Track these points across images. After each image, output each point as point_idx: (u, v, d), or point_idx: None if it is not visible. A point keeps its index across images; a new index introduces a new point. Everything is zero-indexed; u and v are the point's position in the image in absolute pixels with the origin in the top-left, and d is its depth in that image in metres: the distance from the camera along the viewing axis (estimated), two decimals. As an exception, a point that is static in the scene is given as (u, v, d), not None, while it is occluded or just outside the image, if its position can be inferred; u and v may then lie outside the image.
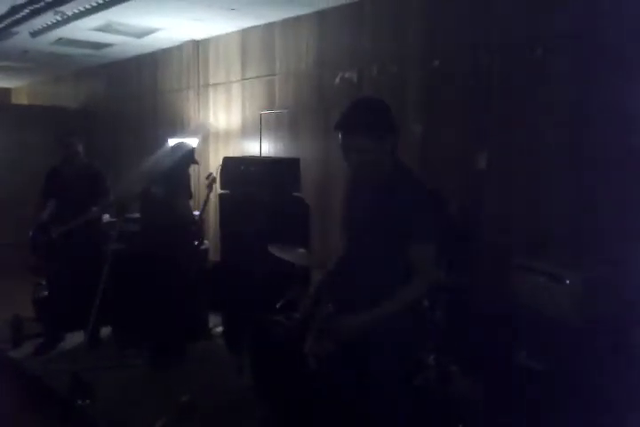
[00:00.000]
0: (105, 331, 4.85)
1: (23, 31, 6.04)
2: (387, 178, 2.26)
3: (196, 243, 4.74)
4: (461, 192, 4.06)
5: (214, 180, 4.15)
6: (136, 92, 7.86)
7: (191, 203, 5.00)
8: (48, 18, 5.46)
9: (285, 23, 5.58)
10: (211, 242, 5.90)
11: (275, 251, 3.79)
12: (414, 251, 2.20)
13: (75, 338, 4.67)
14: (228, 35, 6.26)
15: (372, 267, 2.27)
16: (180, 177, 4.67)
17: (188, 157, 4.70)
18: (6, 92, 11.34)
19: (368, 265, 2.28)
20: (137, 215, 5.26)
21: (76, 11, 5.22)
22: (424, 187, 2.30)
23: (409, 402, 2.32)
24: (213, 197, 5.13)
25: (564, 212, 3.65)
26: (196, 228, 4.59)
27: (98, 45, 6.91)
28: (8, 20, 5.62)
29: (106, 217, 6.05)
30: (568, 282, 3.03)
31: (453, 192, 3.84)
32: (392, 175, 2.27)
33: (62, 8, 5.12)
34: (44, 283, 4.94)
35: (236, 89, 6.25)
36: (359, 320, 2.18)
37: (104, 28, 5.98)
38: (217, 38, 6.42)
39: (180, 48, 6.87)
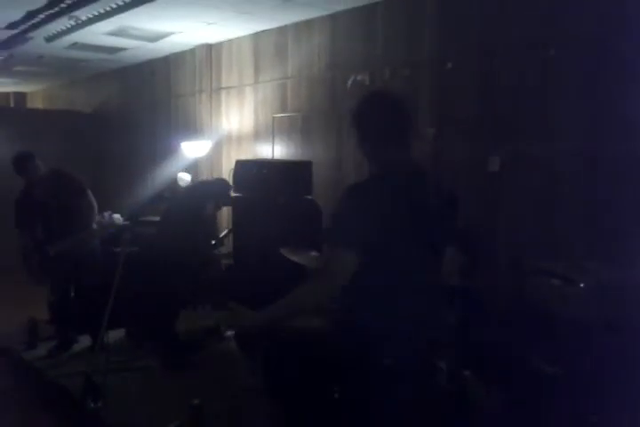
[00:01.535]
0: (118, 333, 4.87)
1: (38, 36, 6.10)
2: None
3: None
4: (474, 195, 4.05)
5: None
6: (150, 95, 7.91)
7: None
8: (62, 23, 5.52)
9: (298, 26, 5.59)
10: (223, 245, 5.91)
11: (287, 254, 3.79)
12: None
13: (89, 341, 4.69)
14: (240, 38, 6.28)
15: None
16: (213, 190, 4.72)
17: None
18: (22, 96, 11.46)
19: None
20: (154, 218, 5.29)
21: (90, 15, 5.27)
22: (349, 188, 2.09)
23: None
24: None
25: (577, 214, 3.63)
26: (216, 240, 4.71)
27: (112, 50, 6.97)
28: (23, 26, 5.70)
29: (119, 220, 6.09)
30: (582, 285, 3.00)
31: (466, 195, 3.81)
32: None
33: (76, 13, 5.17)
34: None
35: (248, 92, 6.27)
36: (256, 319, 2.19)
37: (118, 33, 6.03)
38: (230, 42, 6.45)
39: (193, 52, 6.90)
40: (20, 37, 6.13)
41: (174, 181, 6.23)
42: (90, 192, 4.66)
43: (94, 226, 4.68)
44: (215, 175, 6.45)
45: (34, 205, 4.58)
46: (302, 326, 2.86)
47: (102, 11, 5.13)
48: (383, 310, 2.10)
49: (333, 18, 5.23)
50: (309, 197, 4.84)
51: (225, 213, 5.99)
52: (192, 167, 6.58)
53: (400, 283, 2.08)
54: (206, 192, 4.66)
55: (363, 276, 2.13)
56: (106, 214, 6.11)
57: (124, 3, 4.89)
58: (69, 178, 4.66)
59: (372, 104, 2.19)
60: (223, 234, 5.31)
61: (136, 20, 5.48)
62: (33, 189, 4.60)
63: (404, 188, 2.10)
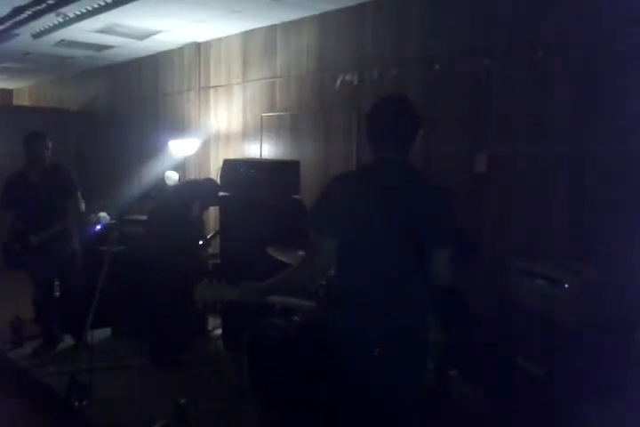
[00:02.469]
0: (104, 332, 4.85)
1: (25, 33, 6.06)
2: None
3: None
4: (461, 195, 4.06)
5: None
6: (137, 93, 7.88)
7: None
8: (50, 19, 5.48)
9: (287, 26, 5.59)
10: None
11: (274, 253, 3.79)
12: None
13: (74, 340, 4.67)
14: (229, 37, 6.27)
15: None
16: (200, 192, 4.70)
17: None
18: (8, 93, 11.37)
19: None
20: (140, 217, 5.27)
21: (78, 12, 5.23)
22: (328, 181, 2.33)
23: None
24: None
25: (563, 214, 3.66)
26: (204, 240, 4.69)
27: (99, 47, 6.93)
28: (10, 22, 5.65)
29: (106, 218, 6.05)
30: (567, 286, 3.02)
31: (453, 195, 3.83)
32: None
33: (64, 10, 5.14)
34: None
35: (237, 91, 6.26)
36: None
37: (106, 30, 5.99)
38: (218, 40, 6.43)
39: (181, 50, 6.88)
40: (7, 34, 6.07)
41: (161, 180, 6.20)
42: (79, 192, 4.64)
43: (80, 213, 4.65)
44: (203, 174, 6.44)
45: (23, 188, 4.50)
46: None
47: (90, 8, 5.09)
48: (354, 303, 2.21)
49: (322, 17, 5.23)
50: (297, 196, 4.84)
51: (212, 214, 5.98)
52: (180, 166, 6.55)
53: (369, 273, 2.20)
54: (194, 192, 4.65)
55: (340, 273, 2.21)
56: (93, 215, 6.07)
57: (113, 0, 4.86)
58: (64, 171, 4.62)
59: (377, 106, 2.30)
60: (211, 235, 5.30)
61: (124, 17, 5.45)
62: (29, 173, 4.54)
63: (379, 182, 2.21)
